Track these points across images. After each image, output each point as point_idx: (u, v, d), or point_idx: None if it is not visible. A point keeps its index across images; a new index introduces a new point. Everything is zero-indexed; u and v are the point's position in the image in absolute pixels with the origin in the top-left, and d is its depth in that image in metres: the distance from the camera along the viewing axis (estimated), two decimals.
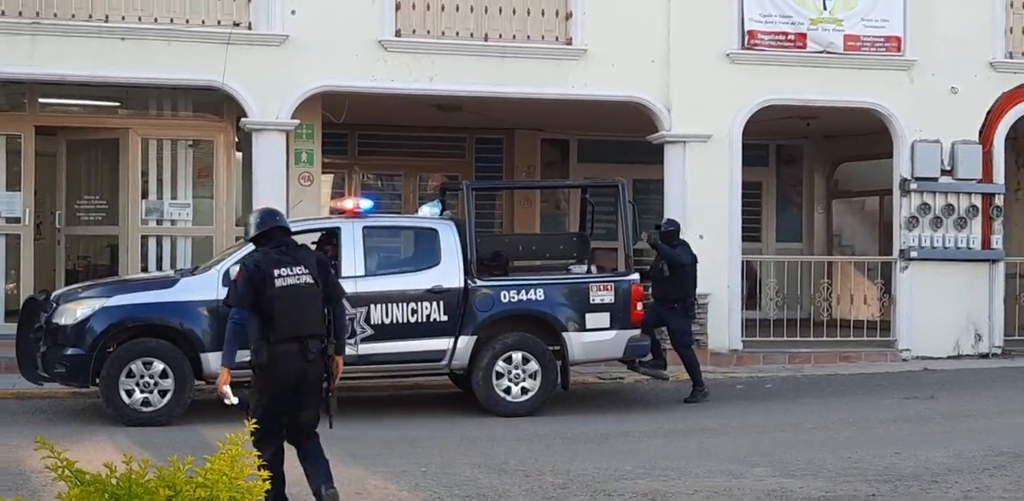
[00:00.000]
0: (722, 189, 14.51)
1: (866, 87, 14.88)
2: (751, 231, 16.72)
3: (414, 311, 10.87)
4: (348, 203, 11.39)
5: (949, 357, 14.89)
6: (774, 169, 19.47)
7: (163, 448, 8.11)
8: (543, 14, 14.01)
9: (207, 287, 10.59)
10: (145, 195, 13.88)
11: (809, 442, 9.71)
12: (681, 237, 12.40)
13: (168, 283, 10.84)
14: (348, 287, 10.66)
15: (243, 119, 13.29)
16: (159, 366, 10.36)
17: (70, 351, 10.32)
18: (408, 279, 11.09)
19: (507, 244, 12.73)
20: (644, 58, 14.31)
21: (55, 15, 12.71)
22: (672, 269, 11.98)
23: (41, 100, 13.65)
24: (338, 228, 11.15)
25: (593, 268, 12.14)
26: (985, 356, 15.01)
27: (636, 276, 11.51)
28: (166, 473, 5.10)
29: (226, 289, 10.48)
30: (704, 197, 14.35)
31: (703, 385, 11.89)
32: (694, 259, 12.14)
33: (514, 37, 13.94)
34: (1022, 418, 10.91)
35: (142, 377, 10.33)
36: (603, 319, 11.28)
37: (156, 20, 12.97)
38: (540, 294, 11.21)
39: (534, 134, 18.14)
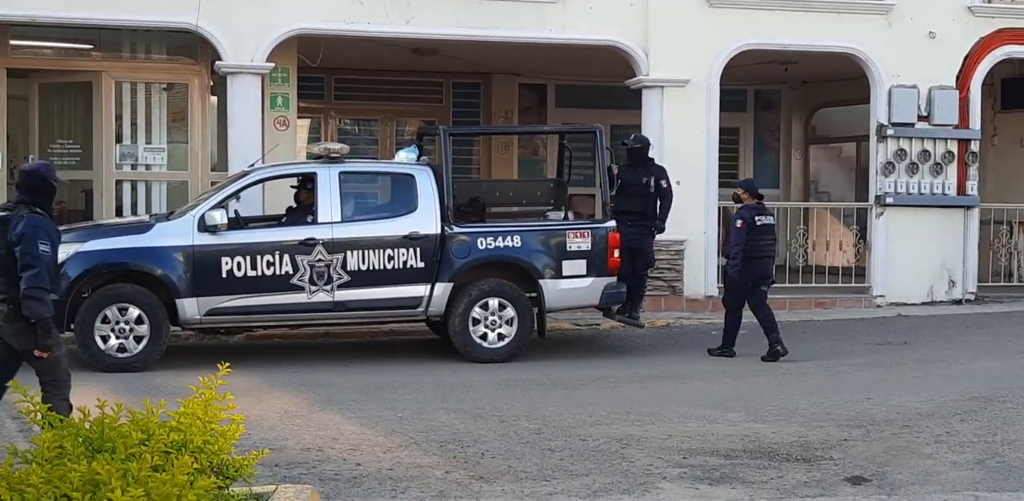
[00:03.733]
0: (699, 135, 14.47)
1: (844, 32, 14.82)
2: (728, 177, 16.66)
3: (390, 257, 10.86)
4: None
5: (923, 303, 14.99)
6: (752, 114, 19.41)
7: (138, 393, 8.13)
8: None
9: (182, 232, 10.57)
10: (119, 139, 13.72)
11: (783, 387, 9.80)
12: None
13: (143, 228, 10.79)
14: (324, 233, 10.77)
15: (218, 62, 13.14)
16: (134, 312, 10.36)
17: None
18: (385, 225, 11.06)
19: (484, 190, 12.70)
20: (623, 1, 14.19)
21: None
22: (659, 193, 11.97)
23: (12, 42, 13.42)
24: (314, 173, 11.10)
25: (570, 215, 12.14)
26: (959, 302, 15.13)
27: (613, 223, 11.50)
28: (139, 417, 5.13)
29: (203, 235, 10.52)
30: (681, 142, 14.31)
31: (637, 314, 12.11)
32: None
33: None
34: (993, 363, 11.03)
35: (117, 323, 10.33)
36: (580, 266, 11.30)
37: None
38: (517, 241, 11.20)
39: (512, 79, 18.01)
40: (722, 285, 12.61)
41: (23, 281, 6.63)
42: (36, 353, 6.74)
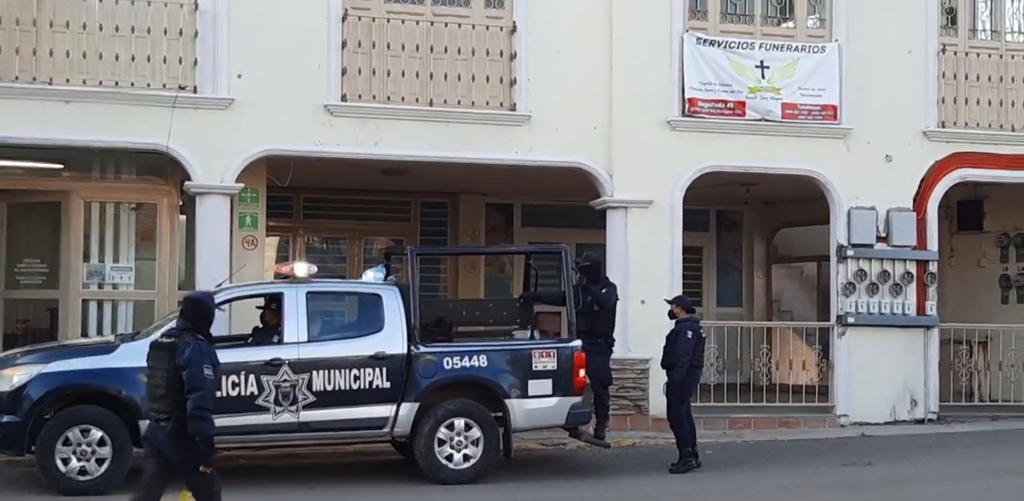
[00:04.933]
0: (663, 254, 14.65)
1: (804, 155, 15.17)
2: (692, 295, 16.74)
3: (356, 377, 10.85)
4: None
5: (886, 423, 15.04)
6: (714, 234, 19.72)
7: None
8: (488, 80, 14.18)
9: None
10: (87, 258, 13.77)
11: None
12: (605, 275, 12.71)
13: (108, 349, 10.74)
14: (290, 353, 10.76)
15: (187, 183, 13.27)
16: (97, 434, 10.25)
17: (5, 418, 10.19)
18: (351, 345, 11.07)
19: (451, 309, 12.78)
20: (587, 125, 14.51)
21: None
22: (601, 306, 12.17)
23: None
24: (281, 293, 11.14)
25: (536, 333, 12.21)
26: (921, 421, 15.18)
27: (579, 343, 11.57)
28: None
29: None
30: (646, 262, 14.49)
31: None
32: (616, 299, 12.50)
33: (459, 103, 14.07)
34: (956, 485, 11.05)
35: (79, 445, 10.21)
36: (546, 386, 11.31)
37: (101, 83, 12.93)
38: (483, 360, 11.23)
39: (479, 198, 18.28)
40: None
41: (190, 402, 7.28)
42: (201, 468, 7.30)
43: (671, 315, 12.30)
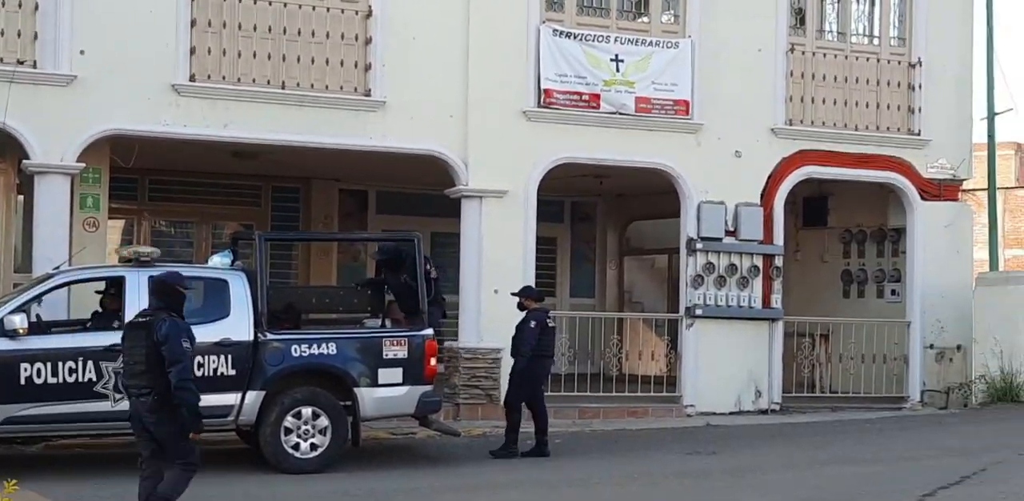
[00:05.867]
0: (517, 244, 14.68)
1: (656, 148, 15.36)
2: (545, 286, 16.93)
3: (200, 364, 10.52)
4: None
5: (731, 413, 15.34)
6: (568, 225, 19.86)
7: None
8: (342, 65, 13.98)
9: None
10: None
11: (596, 498, 9.81)
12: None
13: None
14: None
15: (25, 161, 12.76)
16: None
17: None
18: (196, 331, 10.73)
19: (300, 296, 12.58)
20: (443, 112, 14.43)
21: None
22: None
23: None
24: (123, 277, 10.79)
25: (388, 322, 12.08)
26: (765, 412, 15.54)
27: (430, 331, 11.49)
28: None
29: (1, 340, 10.07)
30: (499, 252, 14.49)
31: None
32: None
33: (312, 86, 13.84)
34: (797, 473, 11.28)
35: None
36: (396, 374, 11.21)
37: None
38: (332, 348, 11.06)
39: (332, 184, 18.04)
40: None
41: (173, 374, 7.75)
42: (191, 435, 7.82)
43: (520, 306, 12.36)
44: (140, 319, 8.09)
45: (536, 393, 12.22)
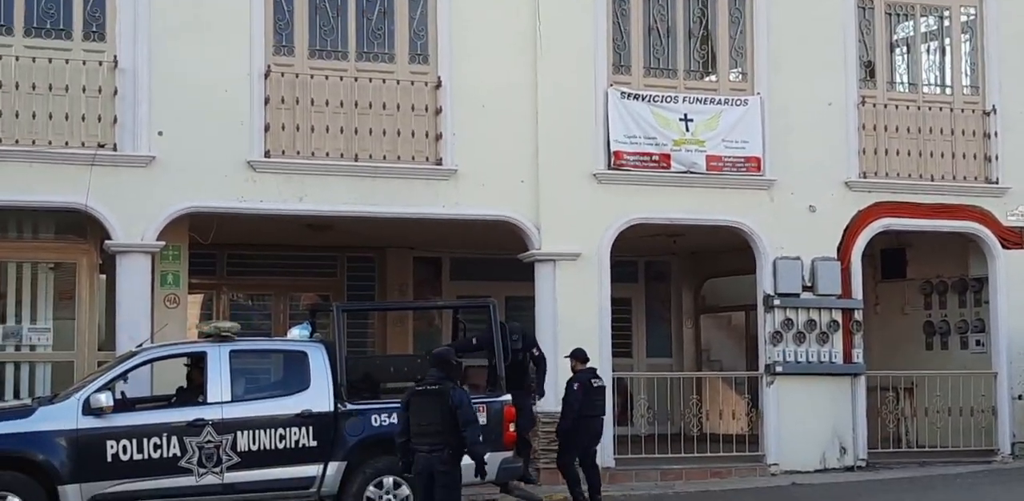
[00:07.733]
0: (592, 306, 14.64)
1: (729, 206, 15.29)
2: (622, 347, 16.87)
3: (282, 437, 10.67)
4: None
5: (816, 470, 15.07)
6: (643, 285, 19.78)
7: None
8: (413, 135, 14.16)
9: (66, 416, 10.30)
10: (3, 319, 13.44)
11: None
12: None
13: (25, 412, 10.50)
14: (214, 413, 10.56)
15: (107, 241, 13.05)
16: (14, 500, 9.93)
17: None
18: (276, 404, 10.92)
19: (378, 365, 12.64)
20: (513, 178, 14.52)
21: None
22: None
23: None
24: (204, 352, 10.96)
25: (465, 387, 12.06)
26: (850, 469, 15.23)
27: (508, 397, 11.49)
28: None
29: (88, 418, 10.24)
30: (574, 314, 14.46)
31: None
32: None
33: (384, 157, 14.03)
34: None
35: None
36: None
37: (17, 142, 12.75)
38: None
39: (406, 252, 18.18)
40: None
41: (468, 432, 9.41)
42: (480, 480, 9.79)
43: (573, 369, 12.70)
44: (430, 388, 9.54)
45: (586, 453, 12.42)
